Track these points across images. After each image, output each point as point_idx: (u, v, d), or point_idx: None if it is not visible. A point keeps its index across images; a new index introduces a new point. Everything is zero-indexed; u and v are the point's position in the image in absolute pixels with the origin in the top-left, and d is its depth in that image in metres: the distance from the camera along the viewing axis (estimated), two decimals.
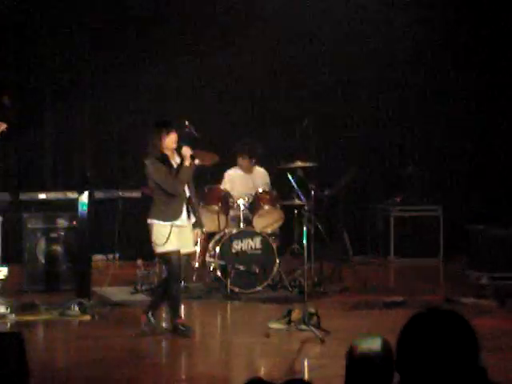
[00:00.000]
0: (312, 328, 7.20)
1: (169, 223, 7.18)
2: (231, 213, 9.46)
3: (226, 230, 9.26)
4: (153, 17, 11.44)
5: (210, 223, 9.34)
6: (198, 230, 7.50)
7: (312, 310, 7.43)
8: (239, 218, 9.34)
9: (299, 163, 9.03)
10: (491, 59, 11.81)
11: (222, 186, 9.56)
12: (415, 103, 12.10)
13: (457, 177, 11.86)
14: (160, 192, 7.24)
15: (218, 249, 9.09)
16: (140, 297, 8.77)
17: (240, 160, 9.65)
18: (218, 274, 9.06)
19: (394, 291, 9.27)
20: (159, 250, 7.23)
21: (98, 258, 10.22)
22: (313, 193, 8.98)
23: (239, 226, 9.28)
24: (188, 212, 7.31)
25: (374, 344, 3.07)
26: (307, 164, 9.17)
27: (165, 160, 7.23)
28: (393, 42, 11.84)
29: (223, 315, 8.63)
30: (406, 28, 11.76)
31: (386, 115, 12.08)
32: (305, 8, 11.62)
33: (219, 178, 9.70)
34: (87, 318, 7.92)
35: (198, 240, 8.55)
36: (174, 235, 7.18)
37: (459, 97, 11.96)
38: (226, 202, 9.36)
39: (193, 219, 7.38)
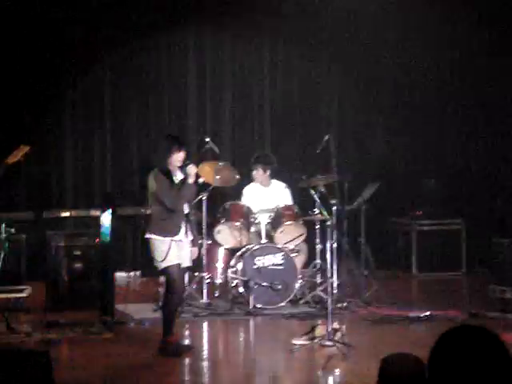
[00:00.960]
0: (336, 344, 7.18)
1: (168, 239, 7.19)
2: (253, 228, 9.46)
3: (248, 246, 9.26)
4: (168, 36, 11.52)
5: (233, 239, 9.36)
6: (194, 249, 7.48)
7: (336, 326, 7.41)
8: (261, 233, 9.34)
9: (321, 179, 9.04)
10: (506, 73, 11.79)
11: (242, 203, 9.59)
12: (436, 116, 12.08)
13: (479, 189, 11.80)
14: (160, 207, 7.25)
15: (240, 265, 9.10)
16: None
17: (255, 173, 9.66)
18: (241, 290, 9.05)
19: (417, 306, 9.22)
20: (160, 265, 7.24)
21: (120, 275, 10.24)
22: (335, 208, 8.98)
23: (261, 242, 9.28)
24: (186, 228, 7.33)
25: (405, 360, 3.05)
26: (329, 179, 9.18)
27: (169, 175, 7.26)
28: (410, 59, 11.86)
29: (246, 331, 8.61)
30: (423, 48, 11.78)
31: (407, 129, 12.07)
32: (324, 19, 11.67)
33: (241, 195, 9.75)
34: (111, 335, 7.93)
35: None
36: (174, 250, 7.20)
37: (480, 110, 11.94)
38: (247, 217, 9.37)
39: (190, 236, 7.38)
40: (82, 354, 7.46)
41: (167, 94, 11.51)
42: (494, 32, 11.53)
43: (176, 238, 7.23)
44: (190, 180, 7.25)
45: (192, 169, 7.26)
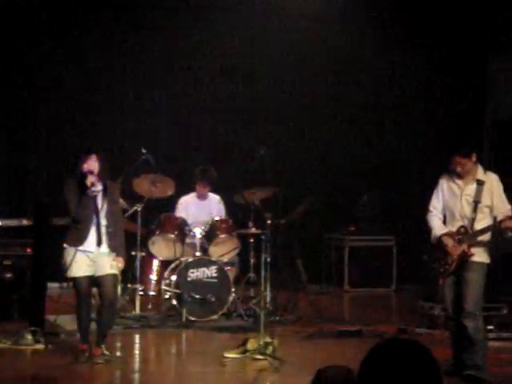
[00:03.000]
0: (267, 357, 7.20)
1: (73, 248, 7.18)
2: (187, 241, 9.46)
3: (182, 259, 9.25)
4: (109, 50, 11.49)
5: (167, 251, 9.34)
6: (117, 260, 7.30)
7: (267, 339, 7.44)
8: (195, 246, 9.34)
9: (256, 191, 9.09)
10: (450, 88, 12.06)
11: (176, 213, 9.60)
12: (370, 135, 12.25)
13: (410, 207, 11.98)
14: (69, 216, 7.28)
15: (173, 277, 9.07)
16: (94, 325, 8.66)
17: (198, 187, 9.70)
18: (174, 302, 9.02)
19: (348, 321, 9.33)
20: (67, 274, 7.27)
21: (52, 285, 10.10)
22: (269, 221, 9.04)
23: (195, 255, 9.28)
24: (99, 239, 7.24)
25: (338, 371, 3.10)
26: (264, 192, 9.23)
27: (81, 184, 7.18)
28: (348, 73, 12.03)
29: (178, 344, 8.58)
30: (361, 63, 11.98)
31: (340, 145, 12.21)
32: (265, 35, 11.79)
33: (176, 205, 9.76)
34: (40, 347, 7.81)
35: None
36: (82, 261, 7.17)
37: (414, 131, 12.16)
38: (182, 229, 9.37)
39: (105, 247, 7.28)
40: (11, 366, 7.35)
41: (103, 102, 11.44)
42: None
43: (82, 248, 7.18)
44: (89, 191, 7.19)
45: (91, 178, 7.17)
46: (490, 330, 8.05)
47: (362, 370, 2.57)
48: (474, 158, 6.76)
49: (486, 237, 6.79)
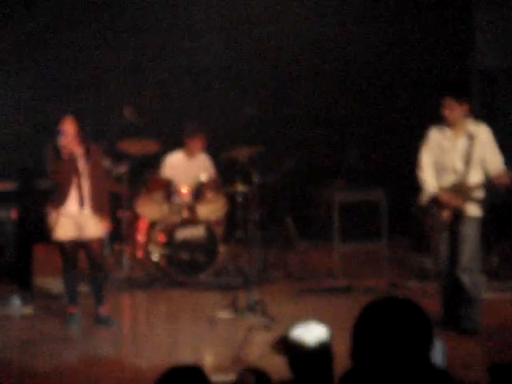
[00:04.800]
0: (258, 315, 7.18)
1: (56, 211, 7.23)
2: (174, 200, 9.35)
3: (170, 219, 9.16)
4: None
5: (154, 211, 9.24)
6: (102, 222, 7.32)
7: (257, 298, 7.41)
8: (182, 205, 9.25)
9: (242, 149, 8.99)
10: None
11: (163, 172, 9.45)
12: (356, 88, 12.14)
13: (400, 160, 11.92)
14: (50, 179, 7.36)
15: (161, 237, 9.00)
16: (82, 288, 8.62)
17: (189, 142, 9.42)
18: (162, 262, 8.97)
19: (338, 276, 9.30)
20: (52, 237, 7.30)
21: (40, 248, 10.04)
22: (256, 179, 8.95)
23: (183, 214, 9.19)
24: (81, 200, 7.19)
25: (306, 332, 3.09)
26: (250, 150, 9.14)
27: (59, 148, 7.15)
28: (340, 35, 11.89)
29: (167, 304, 8.54)
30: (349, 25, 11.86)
31: (329, 99, 12.09)
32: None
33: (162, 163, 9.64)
34: (29, 310, 7.80)
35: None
36: (65, 223, 7.21)
37: (401, 83, 12.05)
38: (168, 189, 9.26)
39: (88, 209, 7.24)
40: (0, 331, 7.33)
41: (88, 58, 11.28)
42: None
43: (65, 210, 7.19)
44: (63, 153, 7.12)
45: (62, 141, 7.09)
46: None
47: (357, 327, 2.54)
48: (464, 106, 6.63)
49: (480, 192, 6.72)
